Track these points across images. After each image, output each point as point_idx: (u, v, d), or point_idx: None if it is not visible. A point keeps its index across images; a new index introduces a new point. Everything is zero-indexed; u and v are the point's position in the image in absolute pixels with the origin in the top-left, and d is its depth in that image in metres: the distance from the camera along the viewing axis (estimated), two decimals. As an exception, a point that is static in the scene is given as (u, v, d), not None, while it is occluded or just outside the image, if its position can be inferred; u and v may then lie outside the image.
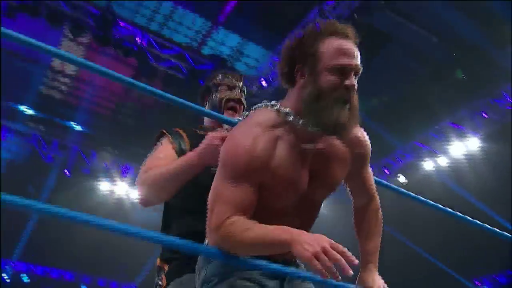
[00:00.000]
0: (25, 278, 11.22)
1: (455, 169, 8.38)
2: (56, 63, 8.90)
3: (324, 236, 1.18)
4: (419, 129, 8.57)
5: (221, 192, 1.31)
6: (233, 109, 2.04)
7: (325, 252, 1.12)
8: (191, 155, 1.74)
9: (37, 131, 8.92)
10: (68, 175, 9.22)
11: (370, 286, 1.55)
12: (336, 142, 1.43)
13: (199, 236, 1.47)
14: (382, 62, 7.62)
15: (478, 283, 9.44)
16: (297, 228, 1.25)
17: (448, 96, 7.78)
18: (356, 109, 1.36)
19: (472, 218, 2.10)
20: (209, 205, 1.32)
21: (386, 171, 9.30)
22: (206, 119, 2.14)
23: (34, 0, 6.09)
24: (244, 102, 2.11)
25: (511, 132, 7.02)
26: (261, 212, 1.33)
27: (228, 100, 2.04)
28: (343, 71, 1.32)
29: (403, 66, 7.99)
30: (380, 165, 9.34)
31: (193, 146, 1.83)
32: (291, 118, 1.35)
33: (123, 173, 9.63)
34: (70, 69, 9.16)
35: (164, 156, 1.85)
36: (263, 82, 7.57)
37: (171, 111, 8.86)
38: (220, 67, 7.12)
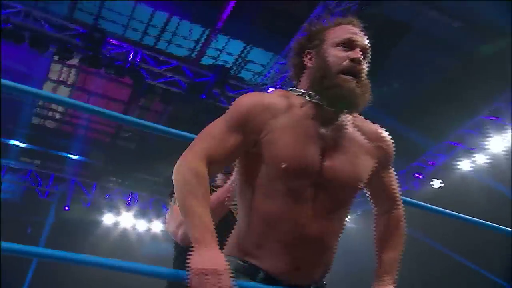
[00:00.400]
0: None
1: (496, 166, 8.17)
2: (47, 89, 9.03)
3: (226, 280, 1.19)
4: (452, 126, 8.42)
5: (210, 131, 1.44)
6: None
7: None
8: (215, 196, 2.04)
9: (32, 166, 9.04)
10: (67, 209, 9.30)
11: None
12: (357, 132, 1.52)
13: None
14: (402, 55, 7.52)
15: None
16: (309, 219, 1.39)
17: (481, 87, 7.61)
18: (366, 85, 1.46)
19: None
20: (193, 140, 1.44)
21: (418, 175, 9.14)
22: (219, 177, 2.44)
23: (15, 25, 6.16)
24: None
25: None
26: (272, 193, 1.41)
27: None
28: (350, 45, 1.46)
29: (427, 58, 7.87)
30: (411, 170, 9.19)
31: None
32: (305, 96, 1.47)
33: (129, 203, 9.66)
34: (62, 94, 9.28)
35: None
36: (270, 90, 7.50)
37: (174, 127, 8.91)
38: (222, 77, 7.10)
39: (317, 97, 1.44)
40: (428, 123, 8.28)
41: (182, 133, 1.81)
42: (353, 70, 1.43)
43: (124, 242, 10.07)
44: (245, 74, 9.04)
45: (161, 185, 9.91)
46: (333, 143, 1.46)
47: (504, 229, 2.07)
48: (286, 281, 1.43)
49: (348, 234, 8.98)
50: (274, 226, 1.43)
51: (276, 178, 1.41)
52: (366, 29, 1.53)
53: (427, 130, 8.41)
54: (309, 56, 1.52)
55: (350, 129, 1.51)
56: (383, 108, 7.99)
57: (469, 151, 8.44)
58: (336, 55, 1.45)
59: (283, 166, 1.38)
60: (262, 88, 7.66)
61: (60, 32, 6.63)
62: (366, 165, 1.51)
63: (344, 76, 1.42)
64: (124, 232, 10.03)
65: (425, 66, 7.97)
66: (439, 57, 7.93)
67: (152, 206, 9.80)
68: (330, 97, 1.42)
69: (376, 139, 1.56)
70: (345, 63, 1.43)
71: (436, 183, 8.88)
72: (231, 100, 7.47)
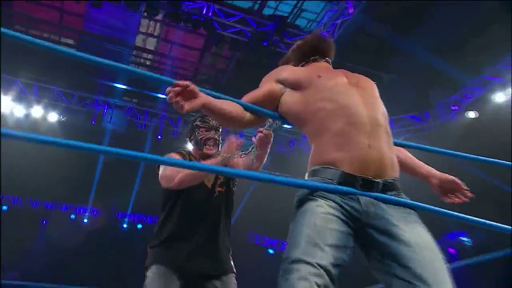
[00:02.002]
0: (139, 226, 12.39)
1: (529, 99, 7.64)
2: (139, 41, 9.31)
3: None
4: (487, 62, 7.88)
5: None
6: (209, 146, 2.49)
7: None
8: (214, 160, 2.25)
9: (131, 103, 9.49)
10: (160, 138, 9.80)
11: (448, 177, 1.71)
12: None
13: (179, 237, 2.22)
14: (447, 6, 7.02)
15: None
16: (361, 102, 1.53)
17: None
18: None
19: None
20: None
21: (455, 108, 8.75)
22: (191, 148, 2.64)
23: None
24: (219, 138, 2.55)
25: None
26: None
27: (206, 139, 2.49)
28: None
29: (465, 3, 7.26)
30: (449, 103, 8.80)
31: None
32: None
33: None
34: (150, 45, 9.55)
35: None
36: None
37: (242, 70, 8.95)
38: (281, 26, 6.98)
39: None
40: (466, 60, 7.80)
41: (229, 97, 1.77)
42: None
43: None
44: (300, 22, 8.77)
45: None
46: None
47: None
48: (361, 175, 1.40)
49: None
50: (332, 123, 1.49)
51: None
52: None
53: (465, 66, 7.93)
54: None
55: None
56: (426, 49, 7.63)
57: (504, 85, 7.90)
58: None
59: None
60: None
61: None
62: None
63: None
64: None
65: (463, 7, 7.36)
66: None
67: (226, 131, 10.09)
68: None
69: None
70: None
71: (471, 114, 8.49)
72: (289, 45, 7.38)
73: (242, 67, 9.26)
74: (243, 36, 7.37)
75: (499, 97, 7.99)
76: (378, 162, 1.43)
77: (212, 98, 1.55)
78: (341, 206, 1.36)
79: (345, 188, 1.37)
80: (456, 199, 1.69)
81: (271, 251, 13.04)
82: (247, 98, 1.67)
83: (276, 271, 1.28)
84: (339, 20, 6.96)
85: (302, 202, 1.41)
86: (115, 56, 9.02)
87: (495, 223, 1.63)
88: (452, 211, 1.51)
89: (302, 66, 1.82)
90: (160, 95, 9.61)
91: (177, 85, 1.44)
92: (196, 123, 2.57)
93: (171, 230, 2.25)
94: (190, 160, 2.45)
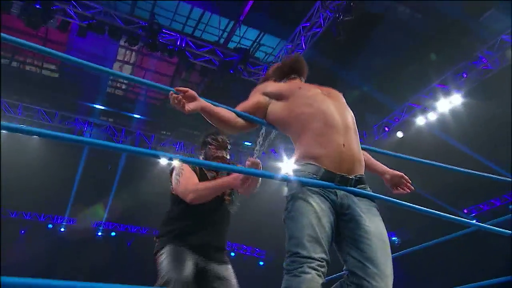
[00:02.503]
0: (112, 233, 12.15)
1: (442, 121, 8.41)
2: (116, 67, 9.36)
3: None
4: (412, 92, 8.62)
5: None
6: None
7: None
8: (226, 179, 2.12)
9: (108, 123, 9.41)
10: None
11: (396, 173, 1.87)
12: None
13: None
14: (378, 39, 7.69)
15: (466, 211, 9.66)
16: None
17: (435, 63, 7.79)
18: None
19: (458, 160, 2.21)
20: None
21: (386, 129, 9.40)
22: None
23: (98, 21, 6.44)
24: (228, 157, 2.43)
25: (486, 88, 7.02)
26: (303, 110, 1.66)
27: (216, 157, 2.36)
28: None
29: (396, 41, 8.01)
30: (382, 124, 9.48)
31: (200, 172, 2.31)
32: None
33: (177, 149, 10.11)
34: (126, 71, 9.62)
35: (192, 174, 2.26)
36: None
37: (210, 94, 9.19)
38: (245, 57, 7.32)
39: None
40: (394, 90, 8.48)
41: (210, 100, 1.76)
42: None
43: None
44: (259, 54, 9.22)
45: (199, 136, 10.22)
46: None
47: (444, 166, 2.11)
48: (339, 173, 1.50)
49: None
50: (311, 124, 1.59)
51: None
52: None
53: (394, 95, 8.61)
54: None
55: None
56: (363, 80, 8.26)
57: (423, 110, 8.59)
58: None
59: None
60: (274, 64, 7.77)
61: (128, 25, 6.83)
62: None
63: None
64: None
65: (394, 47, 8.08)
66: (404, 39, 8.04)
67: (194, 152, 10.19)
68: None
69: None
70: None
71: (399, 134, 9.15)
72: (251, 73, 7.73)
73: (209, 92, 9.49)
74: (211, 65, 7.61)
75: (420, 120, 8.71)
76: (351, 160, 1.55)
77: (210, 104, 1.63)
78: (326, 198, 1.46)
79: (327, 183, 1.47)
80: (402, 190, 1.87)
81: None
82: (238, 108, 1.75)
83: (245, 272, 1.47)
84: (294, 54, 7.35)
85: (294, 197, 1.48)
86: (94, 81, 9.03)
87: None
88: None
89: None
90: (135, 115, 9.64)
91: (179, 90, 1.53)
92: (207, 139, 2.43)
93: (182, 228, 2.17)
94: (201, 173, 2.31)
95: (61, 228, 11.13)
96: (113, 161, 10.10)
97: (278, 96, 1.76)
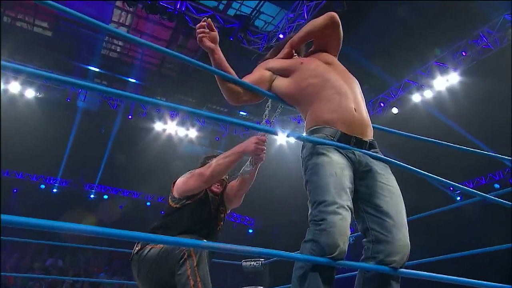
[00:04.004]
0: (105, 196, 12.21)
1: (438, 99, 8.48)
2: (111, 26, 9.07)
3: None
4: (410, 69, 8.61)
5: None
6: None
7: None
8: (239, 146, 2.12)
9: (104, 86, 9.22)
10: (131, 118, 9.70)
11: None
12: None
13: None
14: (379, 15, 7.58)
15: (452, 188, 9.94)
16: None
17: (434, 40, 7.74)
18: None
19: (451, 139, 2.22)
20: None
21: (382, 104, 9.46)
22: None
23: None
24: (226, 178, 2.35)
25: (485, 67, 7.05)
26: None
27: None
28: None
29: (397, 16, 7.90)
30: (378, 100, 9.53)
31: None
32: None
33: (172, 115, 10.07)
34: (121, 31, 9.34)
35: None
36: (281, 36, 7.63)
37: (206, 62, 9.03)
38: (245, 24, 7.19)
39: None
40: (392, 66, 8.46)
41: (210, 67, 1.62)
42: None
43: (170, 142, 10.50)
44: (258, 23, 9.02)
45: (194, 103, 10.18)
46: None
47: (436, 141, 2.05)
48: (354, 135, 1.55)
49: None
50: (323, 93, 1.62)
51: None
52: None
53: (392, 71, 8.60)
54: None
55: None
56: (361, 54, 8.19)
57: (420, 87, 8.66)
58: None
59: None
60: (275, 34, 7.69)
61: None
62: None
63: None
64: (169, 135, 10.48)
65: (394, 23, 7.98)
66: (406, 14, 7.94)
67: (189, 118, 10.17)
68: None
69: None
70: None
71: (394, 110, 9.23)
72: (251, 42, 7.59)
73: (207, 60, 9.31)
74: (211, 31, 7.44)
75: (416, 97, 8.80)
76: (363, 124, 1.60)
77: (224, 59, 1.67)
78: (344, 156, 1.51)
79: (344, 145, 1.51)
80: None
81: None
82: (243, 79, 1.75)
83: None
84: (295, 24, 7.28)
85: (314, 154, 1.51)
86: (89, 41, 8.77)
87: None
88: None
89: None
90: (130, 79, 9.48)
91: (209, 24, 1.65)
92: (208, 160, 2.28)
93: (178, 231, 2.09)
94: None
95: (53, 189, 11.14)
96: (106, 125, 10.01)
97: (282, 72, 1.79)
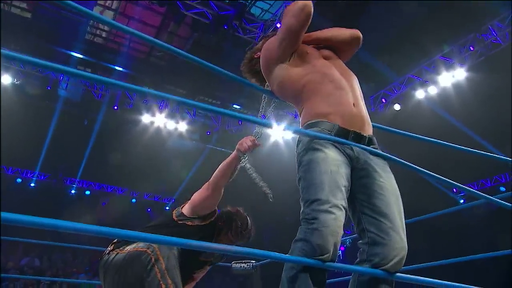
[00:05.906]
0: (87, 192, 12.09)
1: (443, 96, 8.50)
2: (95, 11, 8.98)
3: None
4: (413, 64, 8.62)
5: None
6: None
7: None
8: (231, 156, 2.14)
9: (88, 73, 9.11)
10: (116, 109, 9.62)
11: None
12: None
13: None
14: (381, 7, 7.57)
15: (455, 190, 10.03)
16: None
17: (440, 34, 7.76)
18: None
19: (455, 138, 2.20)
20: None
21: (384, 100, 9.49)
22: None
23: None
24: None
25: (494, 63, 7.07)
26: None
27: (219, 241, 2.20)
28: None
29: (402, 8, 7.91)
30: (379, 96, 9.55)
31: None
32: None
33: (160, 107, 9.99)
34: (107, 16, 9.23)
35: None
36: (278, 25, 7.59)
37: (198, 51, 8.99)
38: (241, 12, 7.13)
39: None
40: (395, 60, 8.47)
41: (202, 60, 1.62)
42: None
43: (158, 136, 10.43)
44: (255, 10, 8.96)
45: (184, 95, 10.12)
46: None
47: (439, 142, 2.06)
48: (353, 130, 1.57)
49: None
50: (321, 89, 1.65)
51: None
52: None
53: (394, 65, 8.61)
54: None
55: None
56: (362, 48, 8.17)
57: (423, 83, 8.68)
58: None
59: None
60: (272, 23, 7.65)
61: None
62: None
63: None
64: (158, 129, 10.40)
65: (397, 16, 7.98)
66: (411, 7, 7.94)
67: (179, 111, 10.10)
68: None
69: None
70: None
71: (397, 107, 9.27)
72: (246, 31, 7.54)
73: (198, 49, 9.26)
74: (204, 18, 7.41)
75: (420, 93, 8.83)
76: (361, 119, 1.62)
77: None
78: (342, 152, 1.52)
79: (342, 140, 1.51)
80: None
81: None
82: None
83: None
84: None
85: (310, 149, 1.51)
86: (72, 25, 8.65)
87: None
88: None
89: None
90: (116, 67, 9.37)
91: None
92: (235, 228, 2.22)
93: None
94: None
95: (31, 183, 11.03)
96: (90, 116, 9.91)
97: (297, 59, 1.79)
